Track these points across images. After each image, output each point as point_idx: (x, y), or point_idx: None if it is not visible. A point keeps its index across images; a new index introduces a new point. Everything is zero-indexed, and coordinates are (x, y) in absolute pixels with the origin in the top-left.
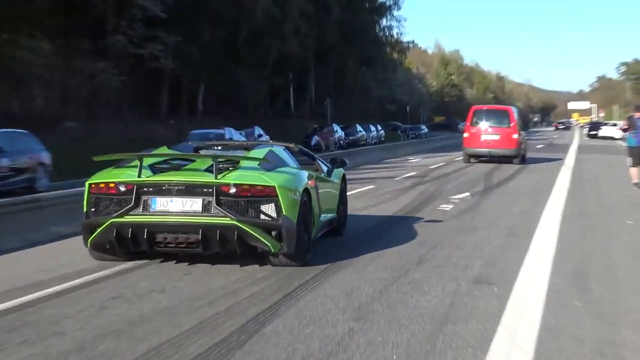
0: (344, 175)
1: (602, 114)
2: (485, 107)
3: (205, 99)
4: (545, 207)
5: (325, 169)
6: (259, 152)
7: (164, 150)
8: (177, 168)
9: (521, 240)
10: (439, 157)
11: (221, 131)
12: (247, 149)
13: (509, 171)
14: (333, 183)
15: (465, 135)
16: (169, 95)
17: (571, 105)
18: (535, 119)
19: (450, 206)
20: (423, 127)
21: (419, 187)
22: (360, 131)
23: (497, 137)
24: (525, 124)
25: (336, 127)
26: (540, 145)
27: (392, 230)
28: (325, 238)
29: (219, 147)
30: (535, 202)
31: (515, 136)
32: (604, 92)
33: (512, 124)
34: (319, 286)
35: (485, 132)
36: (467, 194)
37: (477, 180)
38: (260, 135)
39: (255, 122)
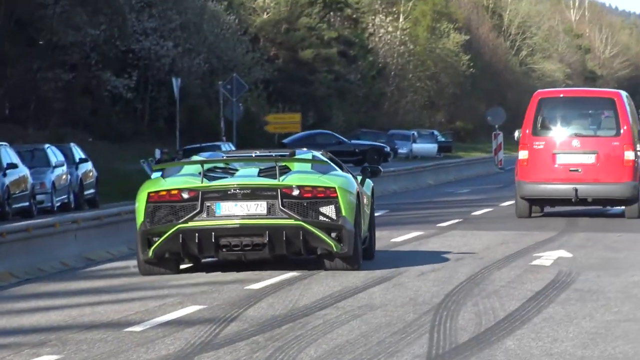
0: (373, 188)
1: None
2: (562, 91)
3: None
4: None
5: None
6: (307, 155)
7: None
8: (231, 174)
9: None
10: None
11: None
12: (279, 159)
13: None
14: (367, 195)
15: (522, 155)
16: None
17: None
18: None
19: None
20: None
21: None
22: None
23: (591, 159)
24: None
25: None
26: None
27: None
28: None
29: (252, 155)
30: None
31: (631, 156)
32: None
33: (623, 129)
34: None
35: (566, 148)
36: None
37: None
38: None
39: None
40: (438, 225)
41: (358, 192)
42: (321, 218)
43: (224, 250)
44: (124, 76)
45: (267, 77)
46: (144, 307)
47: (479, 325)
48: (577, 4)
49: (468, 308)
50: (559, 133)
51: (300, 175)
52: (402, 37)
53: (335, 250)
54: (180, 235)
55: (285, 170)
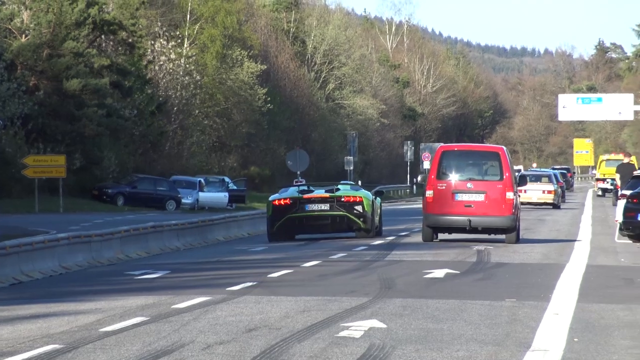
0: (380, 202)
1: None
2: (457, 146)
3: None
4: None
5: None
6: (347, 183)
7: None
8: (311, 192)
9: None
10: None
11: None
12: (333, 185)
13: None
14: (377, 203)
15: (429, 194)
16: None
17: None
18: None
19: None
20: None
21: None
22: None
23: (481, 197)
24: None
25: None
26: None
27: None
28: None
29: (320, 184)
30: None
31: (511, 195)
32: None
33: (505, 175)
34: None
35: (462, 189)
36: None
37: None
38: None
39: None
40: (228, 289)
41: (372, 200)
42: (355, 211)
43: (309, 227)
44: None
45: (25, 112)
46: None
47: None
48: (393, 29)
49: None
50: (457, 177)
51: (345, 192)
52: (187, 65)
53: (362, 227)
54: (288, 221)
55: (337, 190)
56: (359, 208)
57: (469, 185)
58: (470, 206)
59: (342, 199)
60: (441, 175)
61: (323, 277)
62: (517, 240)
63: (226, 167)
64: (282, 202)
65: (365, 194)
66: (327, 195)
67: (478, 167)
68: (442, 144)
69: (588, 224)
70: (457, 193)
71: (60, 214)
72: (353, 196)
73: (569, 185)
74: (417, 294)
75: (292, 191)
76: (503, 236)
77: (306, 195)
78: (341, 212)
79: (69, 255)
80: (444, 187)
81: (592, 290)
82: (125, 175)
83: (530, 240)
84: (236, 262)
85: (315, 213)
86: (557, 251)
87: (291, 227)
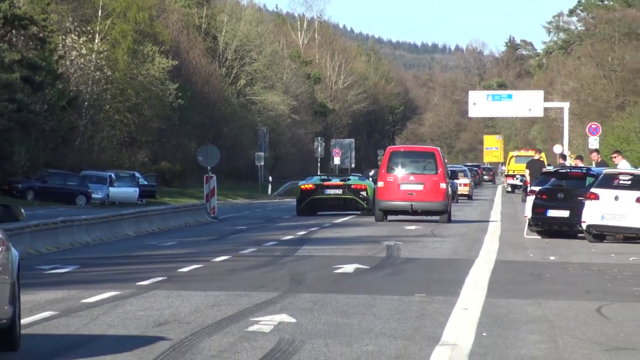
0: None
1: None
2: (402, 147)
3: None
4: None
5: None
6: (356, 175)
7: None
8: (329, 180)
9: None
10: None
11: None
12: (346, 175)
13: None
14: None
15: (380, 184)
16: None
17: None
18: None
19: None
20: None
21: None
22: None
23: (420, 187)
24: None
25: None
26: None
27: None
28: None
29: (335, 175)
30: None
31: (444, 186)
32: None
33: (439, 170)
34: None
35: (406, 181)
36: None
37: None
38: None
39: None
40: (138, 283)
41: (374, 188)
42: (361, 195)
43: (326, 206)
44: None
45: None
46: None
47: None
48: (305, 25)
49: None
50: (402, 171)
51: (354, 181)
52: (98, 61)
53: (365, 207)
54: (312, 200)
55: (349, 179)
56: (364, 193)
57: (411, 177)
58: (412, 194)
59: (352, 186)
60: (389, 169)
61: (233, 272)
62: (449, 220)
63: (137, 162)
64: (307, 186)
65: (369, 183)
66: (341, 183)
67: (418, 164)
68: (352, 139)
69: (497, 220)
70: (402, 184)
71: None
72: (360, 184)
73: (480, 181)
74: (327, 288)
75: (315, 179)
76: (437, 217)
77: (325, 182)
78: (350, 196)
79: None
80: (392, 179)
81: (501, 285)
82: (36, 170)
83: (441, 233)
84: (146, 257)
85: (332, 195)
86: (466, 247)
87: (314, 206)
